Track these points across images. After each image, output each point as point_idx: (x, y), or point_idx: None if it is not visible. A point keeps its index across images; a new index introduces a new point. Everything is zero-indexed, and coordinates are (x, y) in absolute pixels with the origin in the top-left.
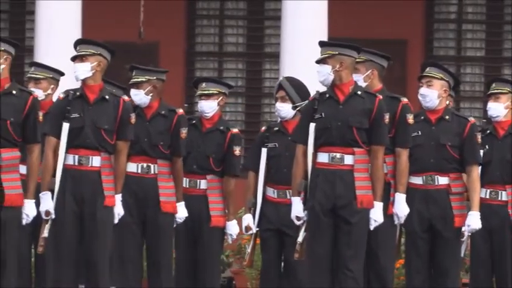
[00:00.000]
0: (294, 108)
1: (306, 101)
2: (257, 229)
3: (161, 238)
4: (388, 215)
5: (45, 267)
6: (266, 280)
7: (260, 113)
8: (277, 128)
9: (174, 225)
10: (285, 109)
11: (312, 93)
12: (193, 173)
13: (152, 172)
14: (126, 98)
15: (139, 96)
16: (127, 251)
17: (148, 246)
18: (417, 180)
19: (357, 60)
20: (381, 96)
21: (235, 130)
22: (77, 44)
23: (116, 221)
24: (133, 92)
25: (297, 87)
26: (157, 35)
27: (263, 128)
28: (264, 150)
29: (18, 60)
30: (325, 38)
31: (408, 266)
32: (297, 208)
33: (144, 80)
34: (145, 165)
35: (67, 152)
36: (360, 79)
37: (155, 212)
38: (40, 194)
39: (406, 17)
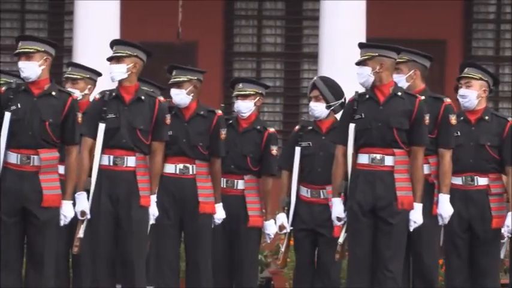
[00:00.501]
0: (327, 107)
1: (340, 101)
2: (291, 228)
3: (200, 239)
4: (432, 215)
5: (81, 267)
6: (300, 280)
7: (298, 113)
8: (311, 127)
9: (212, 226)
10: (318, 108)
11: (347, 93)
12: (231, 173)
13: (190, 173)
14: (161, 98)
15: (181, 96)
16: (164, 251)
17: (187, 247)
18: (457, 181)
19: (399, 60)
20: (421, 97)
21: (272, 129)
22: (113, 44)
23: (151, 221)
24: (174, 91)
25: (331, 87)
26: (196, 35)
27: (296, 127)
28: (297, 149)
29: (56, 60)
30: (363, 38)
31: (448, 266)
32: (338, 209)
33: (185, 79)
34: (183, 165)
35: (102, 152)
36: (402, 79)
37: (193, 213)
38: (76, 194)
39: (445, 17)
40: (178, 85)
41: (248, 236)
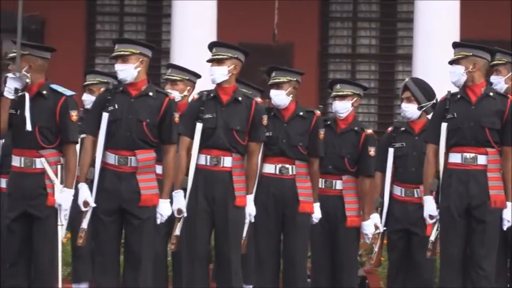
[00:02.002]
0: (419, 108)
1: (432, 102)
2: (384, 228)
3: (298, 237)
4: None
5: (181, 266)
6: (393, 279)
7: (392, 114)
8: (403, 128)
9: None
10: (410, 109)
11: (441, 94)
12: (329, 173)
13: (290, 173)
14: (258, 99)
15: (281, 97)
16: (264, 250)
17: (285, 246)
18: None
19: (498, 62)
20: None
21: (369, 131)
22: (213, 46)
23: (247, 221)
24: (274, 92)
25: (423, 88)
26: (292, 37)
27: (389, 129)
28: (390, 151)
29: (154, 62)
30: (457, 39)
31: None
32: (430, 207)
33: (285, 80)
34: (282, 166)
35: (200, 152)
36: (501, 81)
37: (293, 212)
38: (173, 193)
39: None
40: (278, 86)
41: (346, 236)
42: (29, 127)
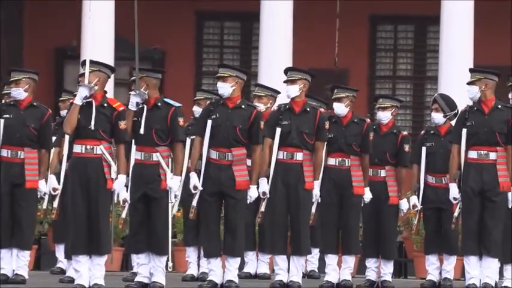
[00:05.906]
0: (444, 116)
1: (454, 112)
2: (421, 206)
3: (353, 213)
4: None
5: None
6: (429, 244)
7: (422, 120)
8: (433, 132)
9: (362, 204)
10: (437, 117)
11: (462, 106)
12: (375, 164)
13: (346, 165)
14: (322, 110)
15: (341, 108)
16: (327, 223)
17: (342, 219)
18: None
19: None
20: None
21: (405, 132)
22: (287, 70)
23: (314, 200)
24: (336, 104)
25: (447, 101)
26: (347, 63)
27: (422, 132)
28: (423, 149)
29: (246, 82)
30: (471, 65)
31: None
32: (454, 191)
33: (344, 96)
34: (341, 159)
35: (279, 149)
36: None
37: (349, 194)
38: (259, 180)
39: None
40: (339, 99)
41: (389, 212)
42: (141, 131)
